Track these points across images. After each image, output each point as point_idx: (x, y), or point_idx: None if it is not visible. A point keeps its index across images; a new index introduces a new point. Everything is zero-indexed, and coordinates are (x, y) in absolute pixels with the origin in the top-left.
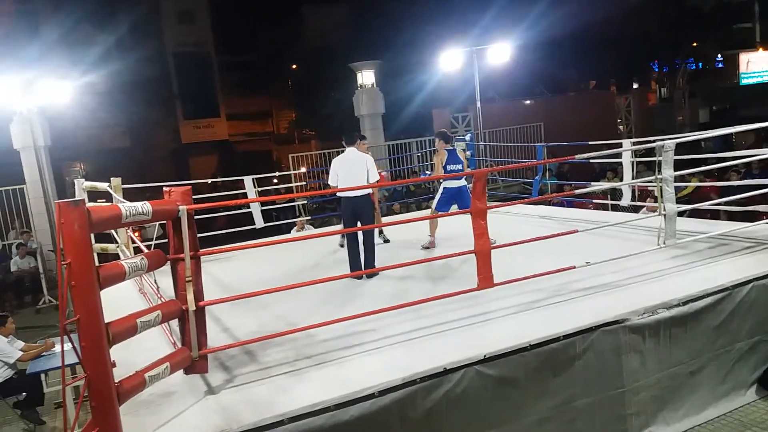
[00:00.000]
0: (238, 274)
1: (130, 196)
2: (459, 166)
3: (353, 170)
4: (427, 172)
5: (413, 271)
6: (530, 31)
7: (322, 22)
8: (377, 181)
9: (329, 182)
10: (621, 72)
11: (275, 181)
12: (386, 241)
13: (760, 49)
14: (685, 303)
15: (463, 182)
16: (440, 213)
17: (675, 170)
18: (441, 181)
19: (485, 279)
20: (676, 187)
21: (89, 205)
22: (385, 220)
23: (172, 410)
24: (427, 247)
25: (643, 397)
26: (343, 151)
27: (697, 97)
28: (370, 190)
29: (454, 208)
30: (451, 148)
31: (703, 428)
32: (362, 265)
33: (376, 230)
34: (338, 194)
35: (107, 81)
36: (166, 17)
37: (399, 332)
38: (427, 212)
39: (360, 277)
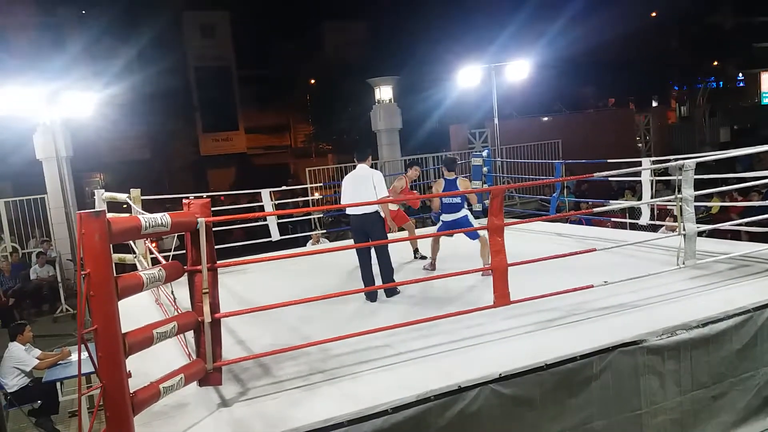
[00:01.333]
0: (254, 286)
1: (149, 207)
2: (456, 199)
3: (360, 187)
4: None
5: (427, 287)
6: (549, 48)
7: (341, 38)
8: (399, 193)
9: (342, 200)
10: (640, 90)
11: (290, 181)
12: (423, 257)
13: None
14: (704, 324)
15: (462, 213)
16: (440, 232)
17: (696, 189)
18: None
19: (501, 296)
20: (701, 207)
21: (109, 216)
22: (393, 236)
23: (186, 422)
24: (428, 269)
25: (661, 420)
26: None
27: (717, 116)
28: (377, 207)
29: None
30: (453, 177)
31: None
32: (375, 283)
33: (412, 248)
34: (347, 211)
35: (129, 93)
36: (187, 31)
37: (413, 348)
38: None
39: (373, 299)
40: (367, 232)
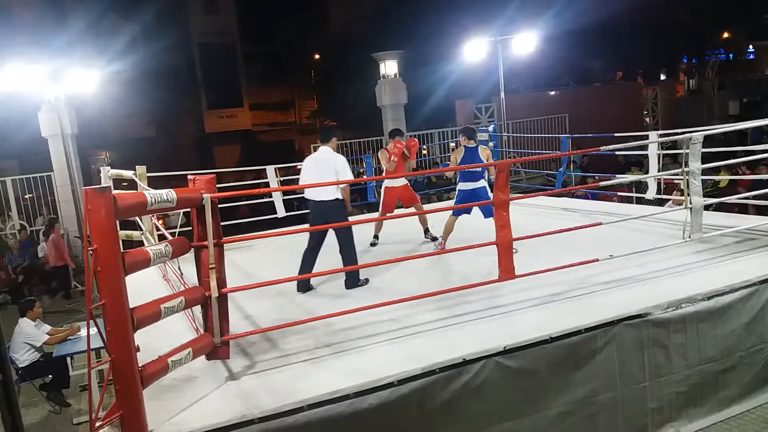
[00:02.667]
0: (260, 262)
1: (154, 184)
2: (477, 168)
3: (320, 172)
4: (447, 162)
5: (433, 262)
6: (555, 21)
7: (345, 12)
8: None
9: (301, 182)
10: (648, 63)
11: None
12: (434, 238)
13: None
14: (710, 298)
15: (480, 183)
16: (456, 217)
17: (703, 163)
18: (458, 182)
19: (507, 270)
20: (708, 181)
21: (115, 192)
22: (401, 212)
23: (194, 395)
24: (440, 246)
25: (666, 393)
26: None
27: (726, 88)
28: (337, 194)
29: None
30: (473, 145)
31: (726, 424)
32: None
33: (422, 228)
34: (305, 196)
35: (133, 70)
36: (191, 7)
37: (419, 323)
38: (450, 203)
39: (306, 288)
40: (327, 220)
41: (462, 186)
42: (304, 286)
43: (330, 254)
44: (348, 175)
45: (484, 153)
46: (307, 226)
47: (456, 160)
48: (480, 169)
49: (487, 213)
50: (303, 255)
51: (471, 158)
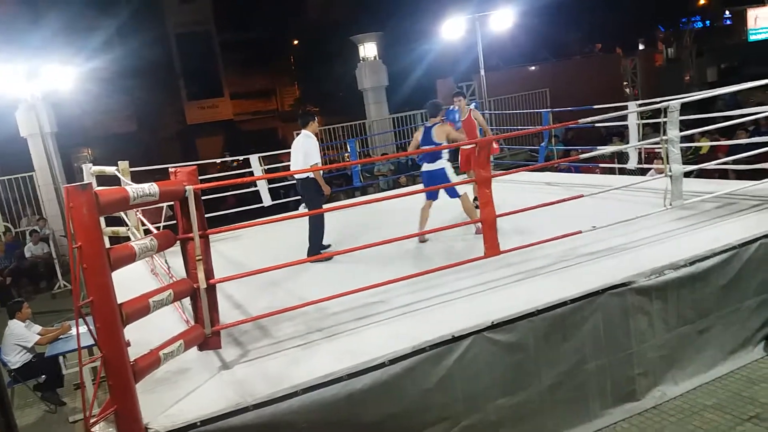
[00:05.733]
0: (248, 252)
1: (138, 178)
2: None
3: (295, 154)
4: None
5: (420, 243)
6: None
7: None
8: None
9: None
10: (627, 34)
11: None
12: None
13: None
14: (692, 263)
15: (437, 165)
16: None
17: (683, 130)
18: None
19: (492, 247)
20: (690, 148)
21: (97, 188)
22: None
23: (188, 386)
24: (423, 241)
25: (651, 358)
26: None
27: (704, 56)
28: (310, 174)
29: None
30: (430, 124)
31: (711, 386)
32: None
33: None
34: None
35: (111, 66)
36: None
37: (408, 303)
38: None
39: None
40: (303, 195)
41: (424, 167)
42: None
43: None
44: (313, 158)
45: (438, 131)
46: (290, 213)
47: (417, 140)
48: (436, 151)
49: (452, 194)
50: (316, 230)
51: (427, 138)
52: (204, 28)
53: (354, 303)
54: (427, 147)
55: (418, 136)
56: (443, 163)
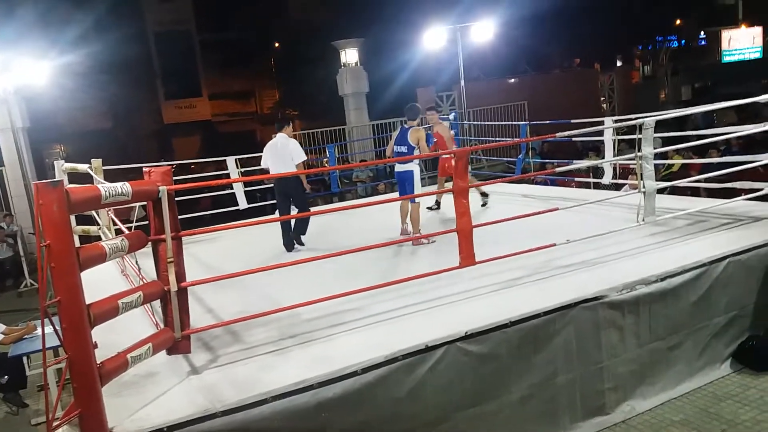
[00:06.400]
0: (222, 255)
1: (111, 177)
2: (403, 149)
3: (278, 156)
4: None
5: (395, 251)
6: (514, 8)
7: None
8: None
9: (262, 165)
10: (605, 49)
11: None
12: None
13: (743, 26)
14: (663, 279)
15: (408, 167)
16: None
17: (657, 147)
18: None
19: (467, 257)
20: (662, 165)
21: (68, 186)
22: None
23: (156, 390)
24: (406, 234)
25: (621, 372)
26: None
27: (679, 74)
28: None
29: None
30: (406, 127)
31: (679, 401)
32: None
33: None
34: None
35: (87, 61)
36: None
37: (382, 311)
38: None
39: (291, 248)
40: (287, 193)
41: (396, 168)
42: (290, 245)
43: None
44: (301, 156)
45: (413, 134)
46: (269, 216)
47: (393, 139)
48: (406, 151)
49: (407, 191)
50: (282, 227)
51: (400, 139)
52: (184, 27)
53: (328, 310)
54: (398, 148)
55: (395, 135)
56: (413, 166)
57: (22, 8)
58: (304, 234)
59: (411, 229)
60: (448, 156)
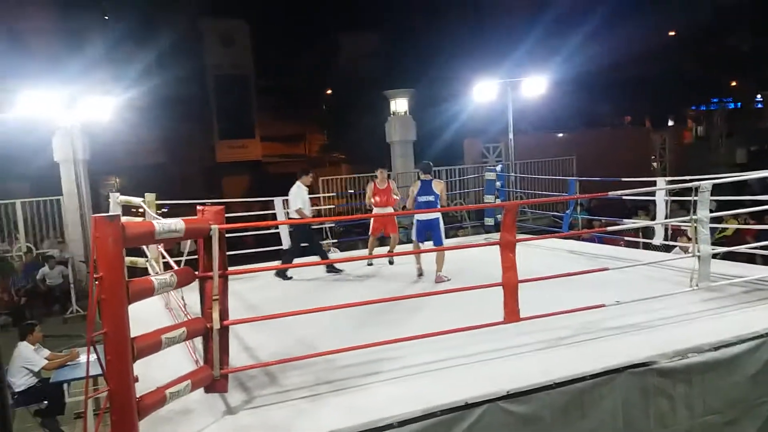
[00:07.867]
0: (263, 293)
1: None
2: (430, 198)
3: (290, 202)
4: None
5: (436, 300)
6: (566, 64)
7: (358, 50)
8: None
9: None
10: (657, 109)
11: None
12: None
13: None
14: (717, 348)
15: (436, 215)
16: (419, 242)
17: (712, 210)
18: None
19: (511, 313)
20: (715, 229)
21: (124, 220)
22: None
23: (190, 428)
24: (420, 275)
25: None
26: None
27: (734, 136)
28: (295, 215)
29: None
30: (429, 179)
31: None
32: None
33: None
34: None
35: (146, 97)
36: (207, 39)
37: (421, 362)
38: (454, 241)
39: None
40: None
41: (419, 217)
42: (284, 276)
43: (338, 289)
44: (296, 204)
45: (437, 185)
46: (309, 260)
47: (413, 193)
48: (433, 200)
49: (438, 241)
50: (287, 253)
51: (425, 190)
52: (242, 72)
53: (365, 357)
54: (425, 197)
55: (415, 189)
56: (438, 213)
57: (90, 44)
58: (289, 261)
59: (435, 268)
60: (382, 215)
